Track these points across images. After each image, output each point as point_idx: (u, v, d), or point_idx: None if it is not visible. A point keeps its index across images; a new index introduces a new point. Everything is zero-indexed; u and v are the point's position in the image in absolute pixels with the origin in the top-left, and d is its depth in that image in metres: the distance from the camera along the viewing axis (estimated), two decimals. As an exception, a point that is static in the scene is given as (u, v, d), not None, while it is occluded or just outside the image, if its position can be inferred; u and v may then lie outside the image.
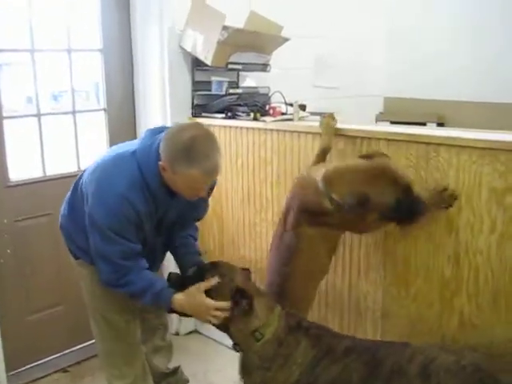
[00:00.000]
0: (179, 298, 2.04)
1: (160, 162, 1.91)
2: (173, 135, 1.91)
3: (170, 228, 2.24)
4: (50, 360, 3.21)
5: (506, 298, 2.18)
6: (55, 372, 3.17)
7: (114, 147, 2.23)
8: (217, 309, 1.99)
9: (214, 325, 2.08)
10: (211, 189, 2.26)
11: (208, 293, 2.03)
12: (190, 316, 2.13)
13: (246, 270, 2.19)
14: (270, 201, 2.98)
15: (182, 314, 2.13)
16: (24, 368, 3.11)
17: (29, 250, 3.04)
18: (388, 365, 1.94)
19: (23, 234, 3.00)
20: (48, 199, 3.06)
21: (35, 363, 3.16)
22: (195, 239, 2.41)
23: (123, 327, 2.26)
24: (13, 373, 3.01)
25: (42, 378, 3.12)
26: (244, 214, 3.15)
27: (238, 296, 2.01)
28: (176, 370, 2.61)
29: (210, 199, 2.40)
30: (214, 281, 2.03)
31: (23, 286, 3.05)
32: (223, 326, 2.08)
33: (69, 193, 2.28)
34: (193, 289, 2.03)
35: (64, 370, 3.19)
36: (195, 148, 1.85)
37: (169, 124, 3.26)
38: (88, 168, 2.17)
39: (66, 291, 3.15)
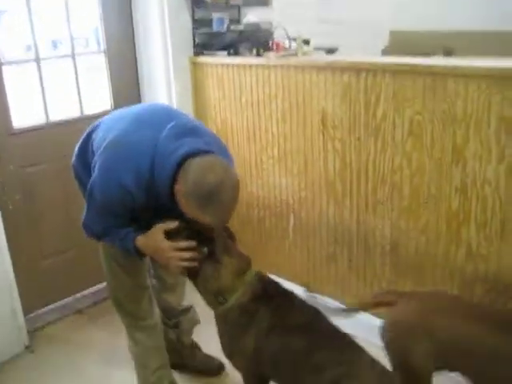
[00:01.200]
0: (140, 238, 1.97)
1: (176, 186, 1.82)
2: (198, 174, 1.78)
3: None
4: (66, 303, 3.28)
5: (513, 227, 2.19)
6: (71, 314, 3.25)
7: (132, 113, 2.09)
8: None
9: (183, 275, 2.04)
10: None
11: (171, 237, 1.93)
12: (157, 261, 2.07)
13: (228, 230, 2.10)
14: (276, 137, 2.96)
15: (153, 259, 2.11)
16: (41, 311, 3.18)
17: (37, 195, 3.05)
18: (318, 357, 1.85)
19: (31, 180, 3.01)
20: (53, 145, 3.05)
21: (51, 306, 3.23)
22: None
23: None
24: (30, 315, 3.09)
25: (59, 320, 3.19)
26: (250, 151, 3.13)
27: (198, 238, 1.91)
28: (188, 309, 2.66)
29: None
30: (173, 224, 1.93)
31: (34, 231, 3.08)
32: (192, 279, 2.00)
33: (81, 139, 2.24)
34: (153, 229, 1.96)
35: (80, 312, 3.27)
36: (217, 195, 1.76)
37: (171, 65, 3.21)
38: (104, 124, 2.12)
39: (77, 235, 3.15)
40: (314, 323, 1.95)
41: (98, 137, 2.08)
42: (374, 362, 1.86)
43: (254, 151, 3.11)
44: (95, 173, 1.95)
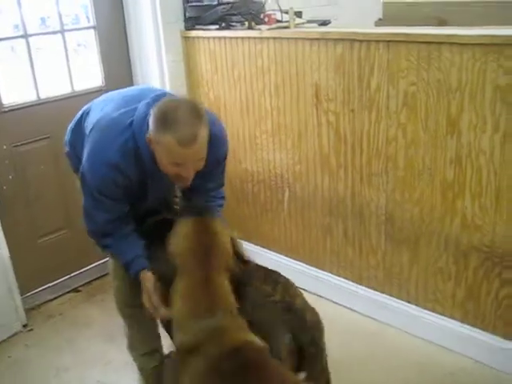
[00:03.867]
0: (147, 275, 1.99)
1: (147, 135, 1.85)
2: (158, 105, 1.83)
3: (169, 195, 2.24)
4: (62, 281, 3.28)
5: (508, 197, 2.19)
6: (68, 292, 3.25)
7: (120, 95, 2.14)
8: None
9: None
10: (222, 164, 2.17)
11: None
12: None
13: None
14: (270, 111, 2.93)
15: None
16: (37, 290, 3.18)
17: (30, 174, 3.03)
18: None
19: (23, 158, 2.98)
20: (44, 122, 3.02)
21: (48, 285, 3.22)
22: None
23: None
24: (27, 295, 3.09)
25: (56, 298, 3.20)
26: (244, 126, 3.11)
27: None
28: None
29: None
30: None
31: (28, 210, 3.06)
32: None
33: (74, 121, 2.26)
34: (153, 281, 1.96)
35: (76, 290, 3.27)
36: (174, 115, 1.77)
37: (162, 40, 3.17)
38: (94, 105, 2.15)
39: (71, 214, 3.17)
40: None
41: (89, 118, 2.12)
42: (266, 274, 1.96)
43: (248, 126, 3.08)
44: (84, 158, 1.97)
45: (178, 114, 1.77)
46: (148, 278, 1.97)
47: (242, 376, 1.56)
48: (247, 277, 1.91)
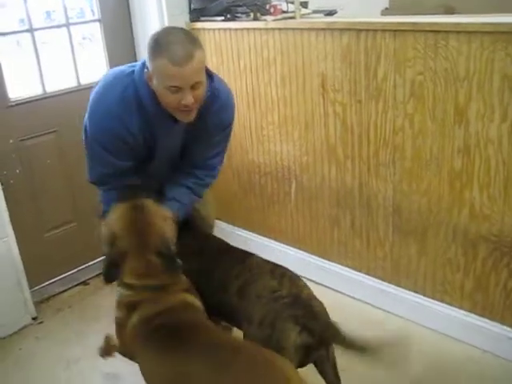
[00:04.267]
0: None
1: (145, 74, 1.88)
2: (151, 34, 1.87)
3: (176, 159, 2.22)
4: (71, 274, 3.30)
5: (517, 186, 2.18)
6: (76, 285, 3.27)
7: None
8: None
9: None
10: (225, 132, 2.17)
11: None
12: None
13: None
14: (276, 102, 2.92)
15: None
16: (46, 283, 3.20)
17: (38, 168, 3.03)
18: (216, 277, 2.02)
19: (30, 153, 2.99)
20: (51, 116, 3.02)
21: (56, 278, 3.24)
22: (190, 189, 2.23)
23: None
24: (36, 288, 3.10)
25: (64, 291, 3.22)
26: (250, 117, 3.10)
27: None
28: None
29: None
30: None
31: (36, 204, 3.06)
32: None
33: None
34: None
35: (84, 283, 3.28)
36: (166, 39, 1.81)
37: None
38: None
39: (79, 208, 3.18)
40: (204, 247, 2.12)
41: None
42: (273, 266, 1.99)
43: (254, 117, 3.08)
44: (87, 111, 2.01)
45: (171, 37, 1.81)
46: None
47: (171, 332, 1.71)
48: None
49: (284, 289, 1.87)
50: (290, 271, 1.99)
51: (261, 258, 2.09)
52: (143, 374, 1.81)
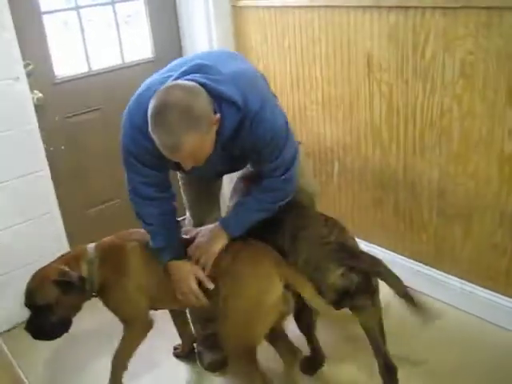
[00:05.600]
0: (175, 263, 2.07)
1: None
2: (157, 95, 1.72)
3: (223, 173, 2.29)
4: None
5: None
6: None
7: (172, 63, 2.07)
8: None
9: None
10: (273, 143, 1.93)
11: None
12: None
13: None
14: (320, 82, 2.88)
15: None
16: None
17: (82, 146, 3.08)
18: (276, 220, 2.09)
19: (75, 130, 3.03)
20: (96, 94, 3.06)
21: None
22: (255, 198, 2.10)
23: None
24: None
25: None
26: (293, 97, 3.07)
27: None
28: None
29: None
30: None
31: (80, 181, 3.12)
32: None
33: None
34: (189, 268, 2.04)
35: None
36: (161, 118, 1.68)
37: (211, 9, 3.15)
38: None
39: (122, 185, 3.19)
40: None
41: None
42: (327, 217, 2.13)
43: (298, 97, 3.04)
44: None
45: (166, 117, 1.67)
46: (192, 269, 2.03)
47: None
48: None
49: (332, 236, 1.99)
50: (341, 223, 2.10)
51: (317, 212, 2.25)
52: None
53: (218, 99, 1.77)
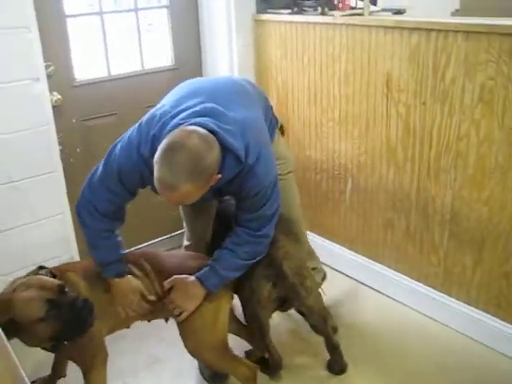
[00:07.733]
0: (118, 281, 2.14)
1: None
2: (174, 133, 1.79)
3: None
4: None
5: None
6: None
7: (185, 85, 2.14)
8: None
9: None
10: (255, 199, 2.00)
11: None
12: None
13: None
14: (338, 99, 2.88)
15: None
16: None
17: (96, 149, 3.08)
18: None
19: (91, 133, 3.04)
20: (113, 99, 3.07)
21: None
22: (231, 251, 2.10)
23: None
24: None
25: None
26: (310, 113, 3.07)
27: None
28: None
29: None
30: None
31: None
32: None
33: None
34: (132, 285, 2.14)
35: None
36: (171, 156, 1.73)
37: (233, 22, 3.17)
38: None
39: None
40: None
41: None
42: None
43: (315, 113, 3.04)
44: (123, 138, 2.05)
45: (176, 156, 1.72)
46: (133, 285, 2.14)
47: None
48: None
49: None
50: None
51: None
52: None
53: (225, 149, 1.84)
